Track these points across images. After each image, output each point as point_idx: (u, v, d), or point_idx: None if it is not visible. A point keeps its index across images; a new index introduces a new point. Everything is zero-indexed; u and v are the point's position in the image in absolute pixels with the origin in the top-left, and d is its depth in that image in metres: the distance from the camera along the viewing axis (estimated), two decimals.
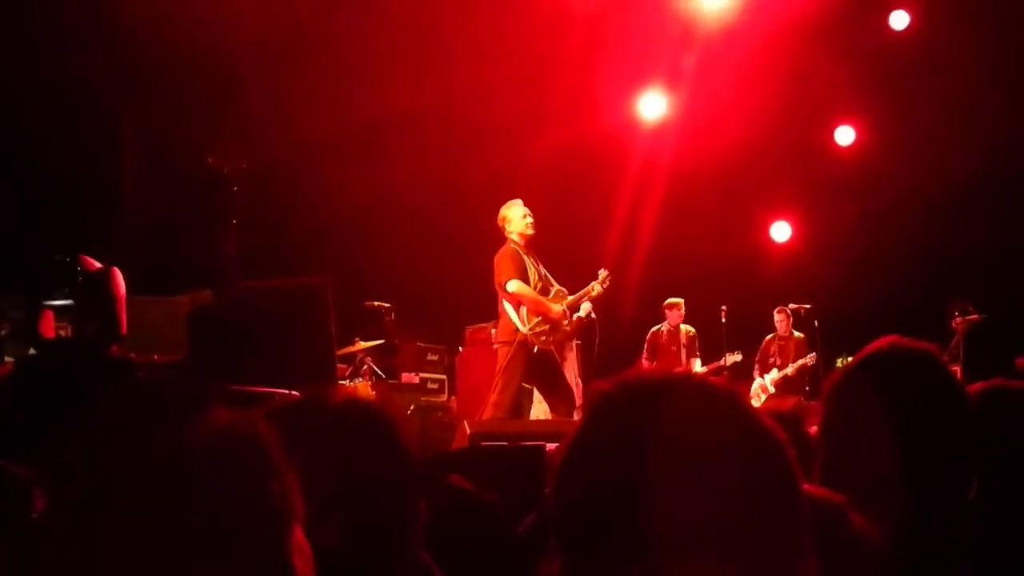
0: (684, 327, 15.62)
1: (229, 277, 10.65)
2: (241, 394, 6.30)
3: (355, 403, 2.47)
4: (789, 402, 14.95)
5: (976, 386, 3.42)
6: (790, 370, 15.49)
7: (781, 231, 18.87)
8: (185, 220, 13.73)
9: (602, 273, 12.03)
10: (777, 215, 18.79)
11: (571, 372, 13.21)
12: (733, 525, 1.62)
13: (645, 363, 15.48)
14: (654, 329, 15.75)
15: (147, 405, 1.73)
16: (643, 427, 1.67)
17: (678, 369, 14.82)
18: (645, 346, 15.70)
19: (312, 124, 14.25)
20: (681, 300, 15.61)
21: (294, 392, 6.54)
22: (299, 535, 1.69)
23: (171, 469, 1.59)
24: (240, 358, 7.64)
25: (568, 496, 1.72)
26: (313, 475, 2.29)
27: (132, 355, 7.91)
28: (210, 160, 11.53)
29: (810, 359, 15.33)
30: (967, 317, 15.38)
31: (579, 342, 13.31)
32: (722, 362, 15.41)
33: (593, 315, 12.12)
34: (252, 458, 1.64)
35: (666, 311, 15.65)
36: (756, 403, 14.98)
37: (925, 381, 2.70)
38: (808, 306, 15.66)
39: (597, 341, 12.38)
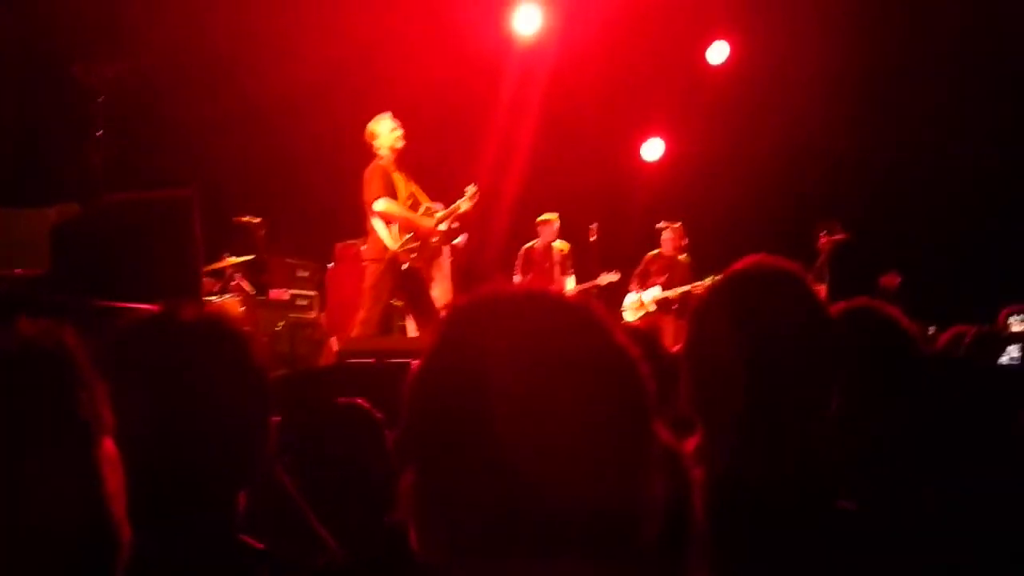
0: (557, 244, 15.57)
1: (95, 189, 10.49)
2: (102, 309, 6.22)
3: (206, 317, 2.44)
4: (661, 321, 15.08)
5: (840, 305, 3.47)
6: (672, 294, 15.44)
7: (653, 149, 18.93)
8: (51, 131, 13.45)
9: (470, 189, 12.05)
10: (649, 133, 18.82)
11: (444, 285, 13.26)
12: (583, 439, 1.62)
13: (518, 279, 15.49)
14: (527, 245, 15.67)
15: None
16: (493, 341, 1.66)
17: (551, 286, 14.92)
18: (518, 262, 15.66)
19: (181, 34, 14.00)
20: (555, 216, 15.51)
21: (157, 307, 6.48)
22: (109, 446, 1.67)
23: None
24: (103, 272, 7.54)
25: (420, 412, 1.70)
26: (161, 388, 2.26)
27: None
28: (75, 69, 11.33)
29: (697, 288, 15.24)
30: (833, 237, 15.58)
31: (452, 259, 13.37)
32: (597, 281, 15.45)
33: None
34: (55, 368, 1.62)
35: (539, 227, 15.56)
36: (631, 317, 15.11)
37: (785, 299, 2.70)
38: (677, 224, 15.69)
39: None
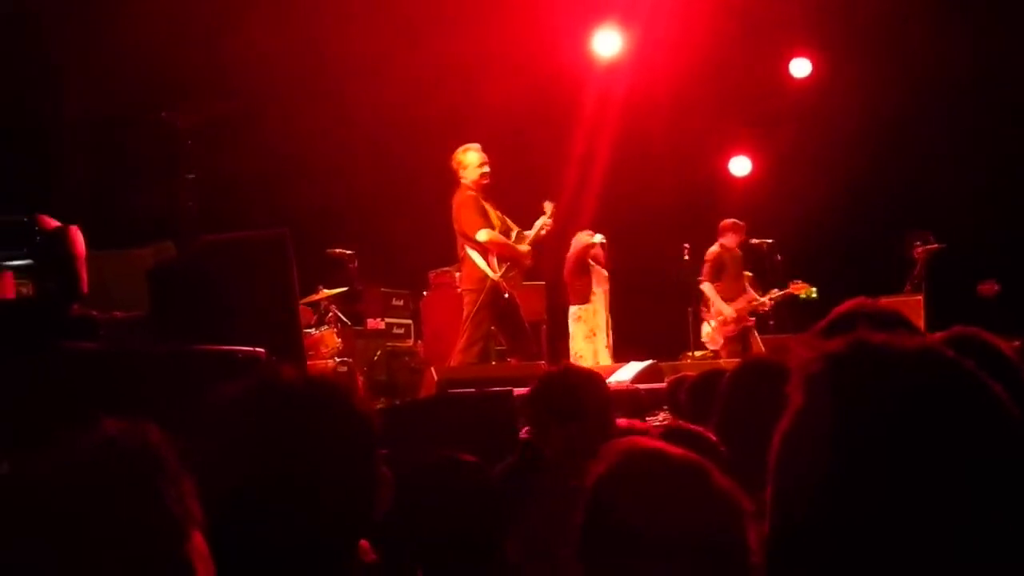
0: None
1: (189, 231, 10.62)
2: (206, 353, 6.28)
3: (311, 382, 2.47)
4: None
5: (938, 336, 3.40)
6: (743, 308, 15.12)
7: (740, 165, 18.84)
8: (141, 173, 13.61)
9: (548, 206, 12.06)
10: (736, 150, 18.73)
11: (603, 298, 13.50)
12: None
13: (708, 285, 14.93)
14: (713, 250, 15.08)
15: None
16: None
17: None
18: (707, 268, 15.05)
19: (268, 72, 14.12)
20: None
21: (258, 349, 6.55)
22: (199, 541, 1.68)
23: (61, 485, 1.57)
24: (202, 313, 7.61)
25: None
26: (270, 450, 2.29)
27: (94, 313, 7.89)
28: (164, 114, 11.50)
29: (762, 304, 14.96)
30: (927, 247, 15.45)
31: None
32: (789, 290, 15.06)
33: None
34: (143, 466, 1.63)
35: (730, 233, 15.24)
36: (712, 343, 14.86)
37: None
38: (770, 240, 15.56)
39: None
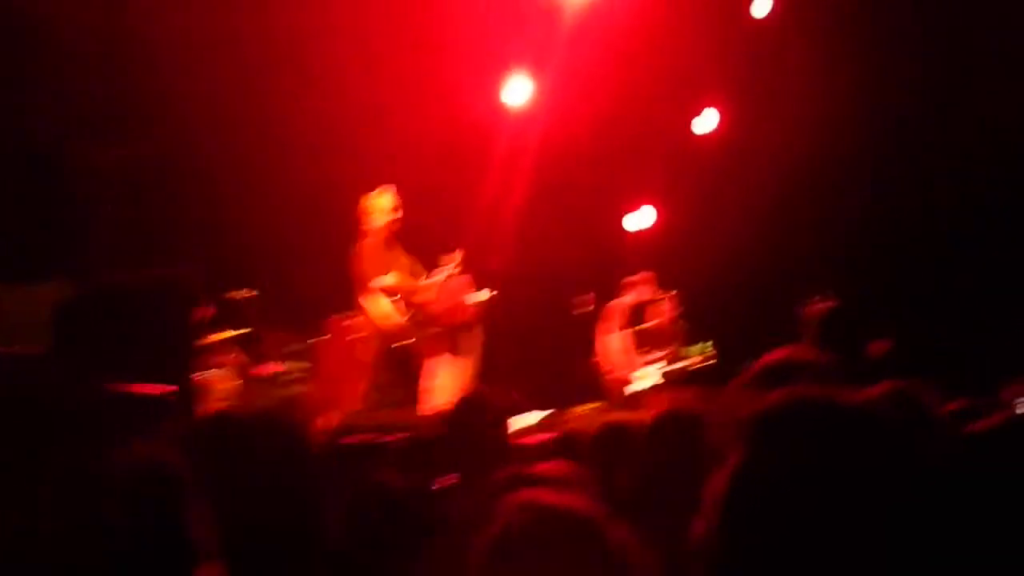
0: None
1: (94, 267, 10.49)
2: (117, 393, 6.17)
3: (261, 419, 2.56)
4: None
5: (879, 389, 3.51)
6: (677, 367, 15.18)
7: (647, 216, 18.91)
8: (48, 210, 13.38)
9: (456, 255, 12.10)
10: (641, 201, 18.83)
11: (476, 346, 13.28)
12: None
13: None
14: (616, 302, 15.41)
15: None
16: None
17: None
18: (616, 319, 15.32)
19: (180, 114, 13.98)
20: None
21: (170, 387, 6.45)
22: (212, 569, 1.70)
23: (92, 503, 1.56)
24: (106, 351, 7.52)
25: None
26: (230, 489, 2.32)
27: None
28: (75, 151, 11.37)
29: (696, 361, 15.04)
30: (824, 303, 15.58)
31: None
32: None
33: (493, 294, 12.51)
34: (170, 492, 1.63)
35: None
36: (641, 386, 14.85)
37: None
38: (673, 292, 15.59)
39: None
